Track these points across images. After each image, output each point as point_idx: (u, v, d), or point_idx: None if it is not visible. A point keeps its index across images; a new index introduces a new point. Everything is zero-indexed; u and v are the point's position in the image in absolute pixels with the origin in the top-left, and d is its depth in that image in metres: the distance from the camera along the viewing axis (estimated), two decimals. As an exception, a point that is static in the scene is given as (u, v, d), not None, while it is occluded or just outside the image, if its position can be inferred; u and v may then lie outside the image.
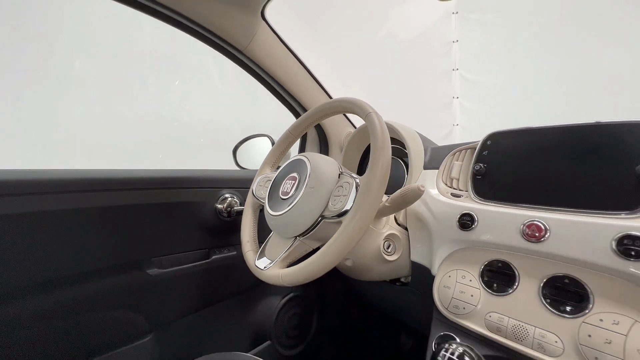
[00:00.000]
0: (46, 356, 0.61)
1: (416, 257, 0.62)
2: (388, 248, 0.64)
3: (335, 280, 1.08)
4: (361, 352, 1.16)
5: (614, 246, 0.37)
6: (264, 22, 0.76)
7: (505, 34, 2.99)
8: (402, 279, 0.74)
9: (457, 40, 3.41)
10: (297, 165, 0.59)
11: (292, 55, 0.85)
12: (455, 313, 0.49)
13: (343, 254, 0.46)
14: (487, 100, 3.23)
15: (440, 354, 0.33)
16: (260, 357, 0.63)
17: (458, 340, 0.48)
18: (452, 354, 0.32)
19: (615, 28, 2.33)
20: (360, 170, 0.91)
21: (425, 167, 0.67)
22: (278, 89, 0.87)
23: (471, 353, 0.33)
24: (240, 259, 0.68)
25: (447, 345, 0.34)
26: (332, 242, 0.46)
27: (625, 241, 0.37)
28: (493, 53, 3.11)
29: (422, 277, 0.60)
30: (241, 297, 0.92)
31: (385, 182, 0.46)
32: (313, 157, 0.58)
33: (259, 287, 0.95)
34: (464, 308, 0.48)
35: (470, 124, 3.41)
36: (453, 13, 3.39)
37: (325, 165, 0.56)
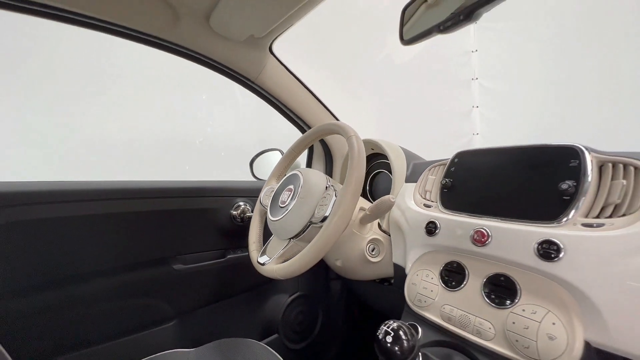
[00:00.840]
0: (93, 331, 0.76)
1: (396, 259, 0.71)
2: (372, 251, 0.73)
3: (338, 283, 1.18)
4: (363, 350, 1.23)
5: (535, 249, 0.45)
6: (272, 56, 0.89)
7: (525, 41, 2.97)
8: (392, 280, 0.83)
9: (476, 50, 3.41)
10: (293, 179, 0.70)
11: (297, 81, 0.97)
12: (418, 306, 0.58)
13: (322, 253, 0.56)
14: (507, 109, 3.20)
15: (380, 329, 0.42)
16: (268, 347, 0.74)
17: (420, 329, 0.56)
18: (389, 327, 0.41)
19: (637, 32, 2.27)
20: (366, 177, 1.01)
21: (407, 181, 0.76)
22: (285, 110, 1.00)
23: (404, 327, 0.42)
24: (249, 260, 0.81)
25: (386, 322, 0.43)
26: (312, 243, 0.56)
27: (544, 245, 0.44)
28: (513, 61, 3.09)
29: (401, 276, 0.69)
30: (252, 293, 1.04)
31: (357, 193, 0.56)
32: (306, 173, 0.69)
33: (268, 285, 1.07)
34: (425, 301, 0.56)
35: (491, 133, 3.38)
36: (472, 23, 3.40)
37: (314, 179, 0.67)
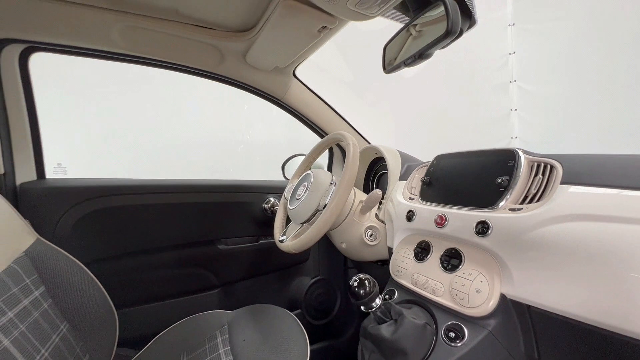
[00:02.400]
0: (162, 289, 1.03)
1: (390, 243, 0.87)
2: (370, 236, 0.90)
3: (354, 270, 1.35)
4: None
5: (474, 228, 0.59)
6: (295, 79, 1.11)
7: (565, 42, 2.86)
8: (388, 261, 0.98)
9: (514, 52, 3.35)
10: (307, 177, 0.90)
11: (316, 98, 1.17)
12: (397, 275, 0.73)
13: (322, 232, 0.75)
14: (546, 112, 3.09)
15: (352, 278, 0.59)
16: None
17: (397, 292, 0.72)
18: (358, 277, 0.58)
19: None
20: (367, 179, 1.18)
21: (400, 179, 0.91)
22: (307, 121, 1.20)
23: (369, 278, 0.58)
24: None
25: (358, 274, 0.59)
26: (315, 224, 0.75)
27: (480, 225, 0.58)
28: (552, 63, 2.99)
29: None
30: (280, 273, 1.25)
31: (349, 187, 0.74)
32: (316, 172, 0.89)
33: (293, 268, 1.28)
34: (401, 272, 0.72)
35: (530, 136, 3.28)
36: (509, 25, 3.35)
37: (321, 177, 0.86)
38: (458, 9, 0.52)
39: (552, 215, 0.49)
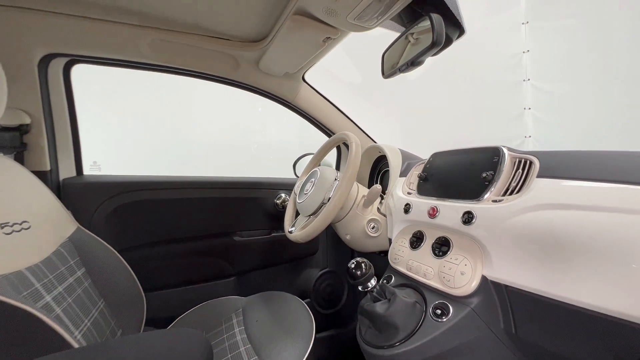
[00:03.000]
0: (184, 275, 1.13)
1: (390, 234, 0.94)
2: (372, 228, 0.97)
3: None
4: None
5: (461, 218, 0.65)
6: (304, 83, 1.19)
7: (579, 40, 2.83)
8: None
9: (528, 51, 3.32)
10: (314, 174, 0.98)
11: (324, 100, 1.25)
12: (394, 262, 0.80)
13: (326, 224, 0.83)
14: (561, 110, 3.05)
15: (349, 262, 0.66)
16: None
17: (394, 277, 0.79)
18: (356, 260, 0.65)
19: None
20: (372, 175, 1.25)
21: (401, 175, 0.98)
22: (316, 122, 1.28)
23: (365, 261, 0.65)
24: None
25: (356, 257, 0.67)
26: (319, 216, 0.83)
27: (466, 215, 0.64)
28: (566, 61, 2.96)
29: (393, 248, 0.92)
30: (290, 265, 1.34)
31: (350, 182, 0.82)
32: (322, 169, 0.97)
33: (303, 260, 1.36)
34: (398, 259, 0.78)
35: (544, 135, 3.24)
36: (523, 24, 3.33)
37: (326, 174, 0.94)
38: (443, 23, 0.59)
39: (526, 205, 0.55)
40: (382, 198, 1.00)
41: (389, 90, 3.03)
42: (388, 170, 1.17)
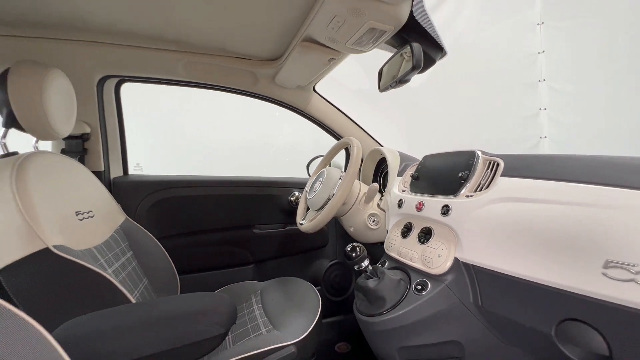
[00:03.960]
0: (211, 262, 1.31)
1: (387, 227, 1.07)
2: (372, 222, 1.10)
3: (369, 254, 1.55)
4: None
5: (440, 210, 0.77)
6: (315, 93, 1.34)
7: (595, 40, 2.82)
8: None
9: (543, 51, 3.31)
10: (322, 174, 1.13)
11: (333, 108, 1.40)
12: (388, 249, 0.93)
13: (330, 216, 0.97)
14: (577, 111, 3.04)
15: (347, 246, 0.80)
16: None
17: (387, 262, 0.92)
18: (352, 244, 0.79)
19: None
20: (376, 174, 1.38)
21: (398, 175, 1.11)
22: (327, 127, 1.43)
23: (360, 245, 0.79)
24: (303, 232, 1.25)
25: (353, 243, 0.80)
26: (324, 210, 0.98)
27: (444, 208, 0.76)
28: (583, 61, 2.95)
29: (390, 239, 1.05)
30: (303, 256, 1.49)
31: (351, 181, 0.96)
32: (329, 169, 1.11)
33: (314, 252, 1.51)
34: (391, 246, 0.91)
35: (560, 135, 3.23)
36: (538, 24, 3.33)
37: (332, 173, 1.08)
38: (421, 50, 0.72)
39: (490, 198, 0.68)
40: (382, 195, 1.13)
41: (405, 93, 3.12)
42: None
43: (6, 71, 0.73)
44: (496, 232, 0.65)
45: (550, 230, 0.56)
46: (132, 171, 1.27)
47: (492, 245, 0.65)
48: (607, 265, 0.48)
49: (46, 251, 0.64)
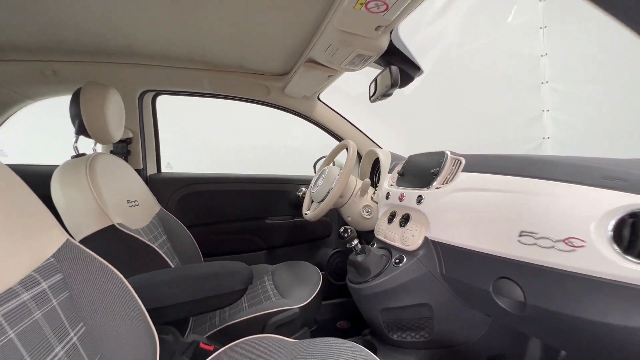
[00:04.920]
0: (230, 248, 1.52)
1: (379, 216, 1.25)
2: (367, 212, 1.29)
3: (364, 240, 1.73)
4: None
5: (416, 200, 0.95)
6: (319, 101, 1.54)
7: (598, 42, 2.90)
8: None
9: (546, 54, 3.40)
10: (324, 172, 1.32)
11: (336, 114, 1.59)
12: (377, 233, 1.10)
13: (328, 207, 1.16)
14: (580, 111, 3.12)
15: (340, 229, 0.99)
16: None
17: (375, 243, 1.10)
18: (344, 227, 0.98)
19: None
20: (372, 172, 1.56)
21: (389, 172, 1.29)
22: (330, 131, 1.63)
23: (351, 227, 0.97)
24: (309, 222, 1.45)
25: (345, 226, 0.99)
26: (324, 202, 1.17)
27: (419, 197, 0.94)
28: (585, 63, 3.03)
29: (382, 226, 1.23)
30: (309, 244, 1.69)
31: (346, 177, 1.15)
32: (329, 168, 1.31)
33: (319, 241, 1.70)
34: (379, 231, 1.10)
35: (564, 136, 3.30)
36: (541, 28, 3.41)
37: (332, 171, 1.28)
38: (398, 72, 0.91)
39: (451, 189, 0.85)
40: (375, 189, 1.32)
41: (413, 95, 3.28)
42: (383, 169, 1.48)
43: (78, 91, 0.95)
44: (454, 215, 0.83)
45: (488, 211, 0.74)
46: (164, 169, 1.50)
47: (451, 225, 0.83)
48: (520, 234, 0.65)
49: (113, 227, 0.86)
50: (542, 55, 3.48)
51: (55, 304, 0.51)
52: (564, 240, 0.58)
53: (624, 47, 2.77)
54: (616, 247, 0.52)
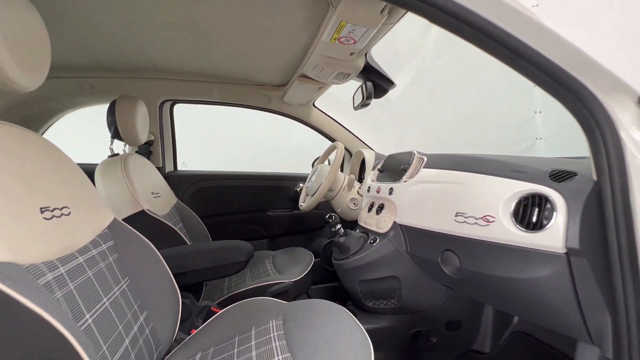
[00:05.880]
0: (236, 235, 1.74)
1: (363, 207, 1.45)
2: (353, 204, 1.49)
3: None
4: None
5: (388, 192, 1.15)
6: (314, 107, 1.75)
7: (588, 45, 3.02)
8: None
9: (538, 58, 3.52)
10: (317, 169, 1.53)
11: (329, 118, 1.80)
12: (359, 221, 1.30)
13: (319, 199, 1.37)
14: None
15: (326, 216, 1.19)
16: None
17: (358, 229, 1.30)
18: (330, 214, 1.18)
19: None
20: (361, 169, 1.76)
21: (373, 169, 1.49)
22: (325, 134, 1.83)
23: (335, 214, 1.17)
24: (306, 214, 1.66)
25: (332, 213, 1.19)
26: (315, 195, 1.38)
27: (390, 189, 1.14)
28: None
29: (365, 216, 1.43)
30: (305, 235, 1.90)
31: (334, 174, 1.36)
32: (321, 166, 1.52)
33: (315, 232, 1.91)
34: (361, 219, 1.30)
35: (554, 137, 3.44)
36: (533, 33, 3.53)
37: (323, 169, 1.48)
38: (372, 87, 1.11)
39: (414, 182, 1.05)
40: (362, 184, 1.52)
41: (407, 98, 3.47)
42: (369, 167, 1.68)
43: (114, 102, 1.18)
44: (415, 203, 1.03)
45: (436, 198, 0.94)
46: (180, 167, 1.73)
47: (413, 211, 1.03)
48: (456, 215, 0.85)
49: (143, 212, 1.09)
50: (534, 60, 3.62)
51: (111, 260, 0.73)
52: (482, 217, 0.78)
53: (614, 49, 2.90)
54: (514, 221, 0.72)
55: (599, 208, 0.55)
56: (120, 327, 0.64)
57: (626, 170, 0.51)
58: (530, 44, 0.53)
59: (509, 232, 0.72)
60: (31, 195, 0.56)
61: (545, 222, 0.66)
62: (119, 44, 1.20)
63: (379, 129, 3.21)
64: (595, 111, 0.55)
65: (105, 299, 0.64)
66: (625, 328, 0.53)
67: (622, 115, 0.55)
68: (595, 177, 0.56)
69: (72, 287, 0.57)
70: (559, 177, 0.69)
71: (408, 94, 3.41)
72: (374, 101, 1.45)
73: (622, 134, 0.53)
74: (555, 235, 0.64)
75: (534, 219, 0.68)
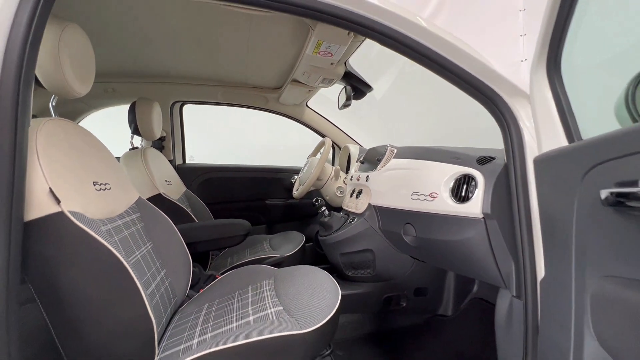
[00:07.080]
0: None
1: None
2: (340, 192, 1.71)
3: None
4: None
5: (365, 179, 1.36)
6: (307, 107, 1.96)
7: (574, 47, 3.21)
8: (357, 210, 1.77)
9: (526, 59, 3.69)
10: (308, 162, 1.75)
11: (320, 117, 2.01)
12: (343, 205, 1.53)
13: (309, 188, 1.59)
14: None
15: (313, 200, 1.40)
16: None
17: (342, 212, 1.51)
18: (316, 198, 1.39)
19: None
20: (348, 162, 1.97)
21: (357, 161, 1.70)
22: (316, 130, 2.05)
23: (320, 198, 1.38)
24: (300, 203, 1.87)
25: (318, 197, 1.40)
26: (305, 183, 1.59)
27: (367, 177, 1.35)
28: (563, 67, 3.34)
29: (350, 202, 1.65)
30: (299, 222, 2.12)
31: (321, 166, 1.57)
32: (312, 159, 1.73)
33: (309, 219, 2.13)
34: (345, 203, 1.51)
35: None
36: (521, 35, 3.72)
37: (313, 161, 1.70)
38: (352, 90, 1.32)
39: (385, 169, 1.26)
40: (347, 174, 1.73)
41: (399, 96, 3.67)
42: (356, 160, 1.90)
43: (134, 104, 1.40)
44: (384, 186, 1.24)
45: (398, 182, 1.15)
46: (188, 160, 1.95)
47: (383, 194, 1.25)
48: (412, 194, 1.06)
49: (159, 195, 1.31)
50: (522, 61, 3.79)
51: (139, 226, 0.94)
52: (429, 194, 0.99)
53: (599, 51, 3.08)
54: (451, 196, 0.93)
55: (506, 183, 0.76)
56: (148, 274, 0.85)
57: (524, 150, 0.72)
58: (455, 61, 0.74)
59: (448, 205, 0.93)
60: (87, 172, 0.78)
61: (470, 195, 0.87)
62: (138, 54, 1.42)
63: (369, 127, 3.43)
64: (504, 110, 0.77)
65: (137, 253, 0.85)
66: (522, 272, 0.74)
67: (522, 111, 0.76)
68: (505, 160, 0.77)
69: (116, 239, 0.79)
70: (483, 161, 0.90)
71: (391, 94, 3.64)
72: (362, 101, 1.67)
73: (521, 125, 0.73)
74: (476, 204, 0.84)
75: (464, 193, 0.89)
